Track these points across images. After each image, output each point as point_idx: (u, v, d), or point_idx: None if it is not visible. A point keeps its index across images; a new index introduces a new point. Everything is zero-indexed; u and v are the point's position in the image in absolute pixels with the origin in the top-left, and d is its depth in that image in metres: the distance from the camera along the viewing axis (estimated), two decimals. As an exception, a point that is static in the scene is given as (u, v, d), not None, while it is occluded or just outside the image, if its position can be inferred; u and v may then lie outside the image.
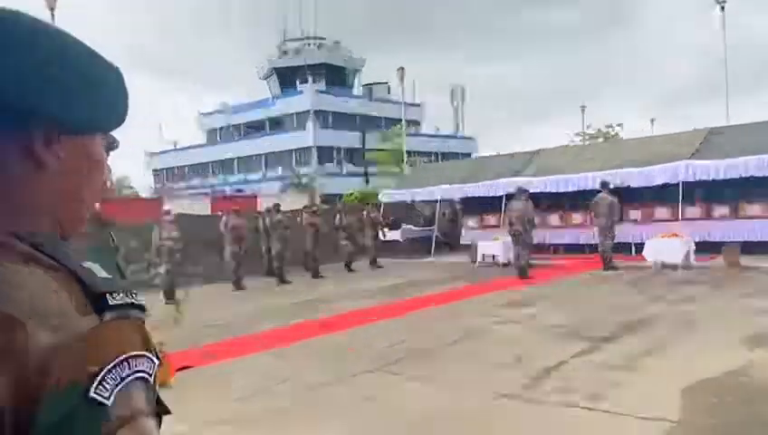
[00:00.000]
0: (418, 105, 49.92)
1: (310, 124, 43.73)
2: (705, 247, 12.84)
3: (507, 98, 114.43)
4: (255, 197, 28.09)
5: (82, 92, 0.61)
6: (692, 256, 12.23)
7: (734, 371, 5.29)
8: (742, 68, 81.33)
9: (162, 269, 11.50)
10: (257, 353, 6.88)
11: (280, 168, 44.67)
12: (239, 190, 38.87)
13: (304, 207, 17.69)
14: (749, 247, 12.74)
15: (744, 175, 12.58)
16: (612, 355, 6.05)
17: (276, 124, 48.54)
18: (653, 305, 8.86)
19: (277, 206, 14.94)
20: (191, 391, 5.41)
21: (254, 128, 49.95)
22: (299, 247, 15.05)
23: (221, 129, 52.05)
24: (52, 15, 15.72)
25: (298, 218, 15.52)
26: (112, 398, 0.48)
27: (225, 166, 50.36)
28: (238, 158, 48.93)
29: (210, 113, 52.91)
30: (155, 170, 55.82)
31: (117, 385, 0.49)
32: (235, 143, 49.81)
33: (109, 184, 0.76)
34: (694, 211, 14.23)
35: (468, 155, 42.25)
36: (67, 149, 0.62)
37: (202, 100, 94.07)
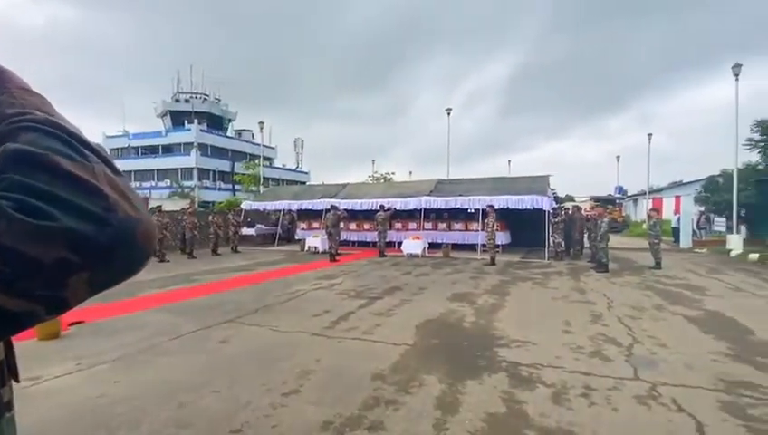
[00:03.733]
0: (273, 147, 52.77)
1: (193, 152, 42.91)
2: (433, 246, 15.34)
3: (332, 147, 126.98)
4: (147, 199, 26.28)
5: None
6: (426, 250, 14.66)
7: (443, 314, 6.28)
8: (457, 147, 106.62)
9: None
10: (141, 311, 6.38)
11: (168, 180, 42.80)
12: (134, 195, 36.91)
13: (182, 208, 16.87)
14: (455, 247, 15.51)
15: (453, 206, 15.16)
16: (379, 307, 6.71)
17: (167, 149, 46.37)
18: (404, 277, 9.95)
19: (159, 207, 14.07)
20: (82, 339, 4.96)
21: (149, 150, 47.11)
22: (177, 236, 14.81)
23: (122, 148, 47.85)
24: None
25: (180, 217, 14.89)
26: None
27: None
28: (135, 171, 45.39)
29: (114, 136, 48.41)
30: None
31: None
32: (133, 160, 46.50)
33: None
34: (428, 225, 16.54)
35: (304, 182, 46.42)
36: None
37: (102, 125, 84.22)
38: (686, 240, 18.13)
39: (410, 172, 51.66)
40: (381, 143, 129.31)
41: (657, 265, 11.31)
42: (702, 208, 19.19)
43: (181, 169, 44.12)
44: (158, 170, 45.49)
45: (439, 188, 16.29)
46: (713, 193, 18.11)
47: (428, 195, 15.48)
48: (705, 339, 5.04)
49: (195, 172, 43.16)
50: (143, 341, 4.91)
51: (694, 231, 18.80)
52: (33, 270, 0.41)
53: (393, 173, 37.23)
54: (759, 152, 18.52)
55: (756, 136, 18.38)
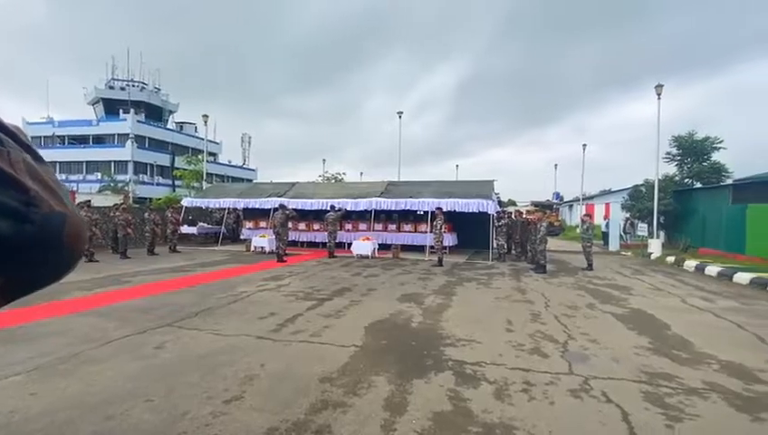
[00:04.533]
0: (218, 143, 50.73)
1: (129, 144, 39.99)
2: (383, 247, 15.48)
3: (281, 145, 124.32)
4: (74, 193, 24.24)
5: None
6: (376, 251, 14.66)
7: (392, 315, 6.33)
8: (407, 150, 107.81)
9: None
10: (64, 316, 5.76)
11: (98, 173, 39.38)
12: (58, 187, 33.73)
13: (114, 204, 15.72)
14: (404, 248, 15.77)
15: (403, 208, 15.31)
16: (328, 308, 6.62)
17: (98, 140, 42.79)
18: (354, 278, 9.92)
19: (88, 201, 13.00)
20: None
21: (78, 140, 43.20)
22: (108, 234, 13.88)
23: (46, 137, 43.56)
24: None
25: (111, 213, 13.85)
26: None
27: (48, 167, 43.24)
28: (61, 162, 41.50)
29: (37, 123, 43.95)
30: None
31: None
32: (59, 150, 42.28)
33: None
34: (379, 226, 16.65)
35: (250, 180, 44.95)
36: None
37: (22, 110, 75.77)
38: (614, 244, 19.70)
39: (361, 173, 51.84)
40: (332, 143, 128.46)
41: (589, 267, 12.15)
42: (628, 215, 20.91)
43: (115, 161, 41.03)
44: (87, 162, 42.05)
45: (390, 189, 16.44)
46: (637, 201, 19.78)
47: (379, 196, 15.56)
48: (629, 334, 5.47)
49: (130, 165, 40.26)
50: (66, 348, 4.48)
51: (621, 235, 20.45)
52: None
53: (344, 173, 37.12)
54: (676, 165, 20.52)
55: (674, 150, 20.35)
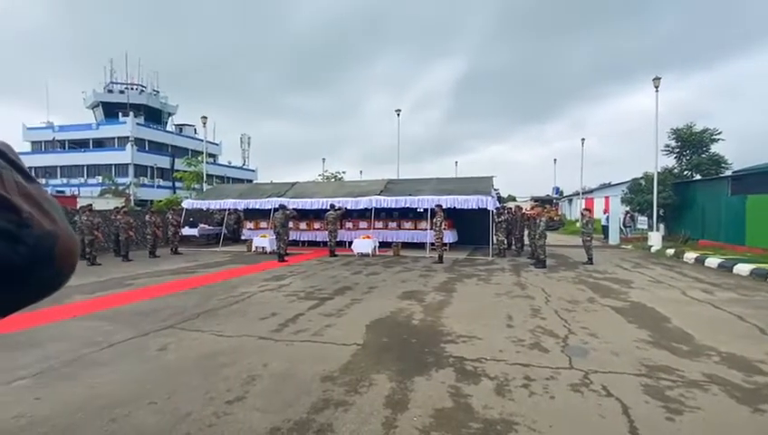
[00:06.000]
0: (217, 144, 51.31)
1: (129, 147, 39.87)
2: (384, 244, 15.51)
3: (281, 145, 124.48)
4: (75, 197, 24.24)
5: None
6: (376, 249, 14.67)
7: (393, 312, 6.35)
8: (406, 148, 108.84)
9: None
10: (66, 320, 5.75)
11: (99, 177, 39.37)
12: (60, 192, 33.49)
13: (115, 208, 15.77)
14: (405, 245, 15.64)
15: (403, 206, 15.27)
16: (330, 307, 6.62)
17: (98, 144, 42.95)
18: (355, 276, 9.91)
19: (90, 206, 13.04)
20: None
21: (78, 144, 43.29)
22: (110, 237, 14.05)
23: (46, 142, 43.81)
24: None
25: (113, 216, 13.90)
26: None
27: (48, 172, 42.23)
28: (61, 166, 41.85)
29: (36, 128, 44.21)
30: None
31: None
32: (60, 154, 42.62)
33: None
34: (379, 224, 16.66)
35: (250, 181, 45.03)
36: None
37: (22, 115, 75.98)
38: (614, 237, 19.68)
39: (361, 172, 51.96)
40: (332, 142, 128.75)
41: (590, 261, 12.15)
42: (627, 208, 20.87)
43: (115, 164, 41.07)
44: (88, 166, 42.08)
45: (389, 187, 16.42)
46: (636, 194, 19.73)
47: (379, 195, 15.55)
48: (629, 328, 5.47)
49: (131, 168, 40.26)
50: (69, 352, 4.49)
51: (621, 229, 20.42)
52: None
53: (344, 172, 37.12)
54: (675, 157, 20.46)
55: (672, 143, 20.29)
